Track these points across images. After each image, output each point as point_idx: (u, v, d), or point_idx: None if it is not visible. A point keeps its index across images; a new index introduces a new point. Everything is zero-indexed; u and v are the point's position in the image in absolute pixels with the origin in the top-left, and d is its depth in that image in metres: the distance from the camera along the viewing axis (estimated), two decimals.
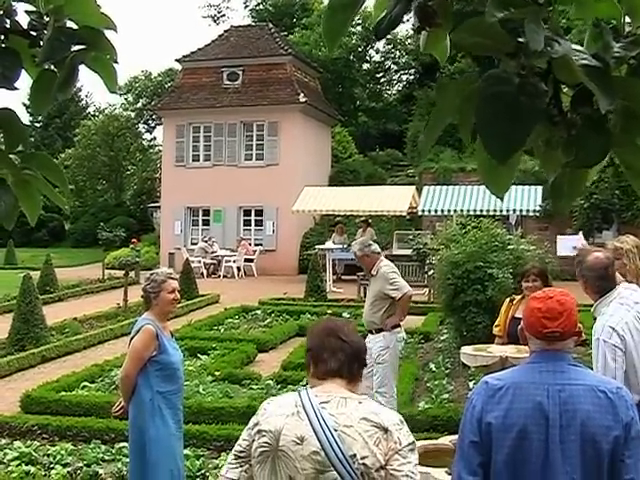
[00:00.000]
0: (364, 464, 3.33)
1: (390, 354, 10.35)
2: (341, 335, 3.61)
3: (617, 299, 6.19)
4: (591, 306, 6.18)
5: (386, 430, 3.40)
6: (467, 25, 2.11)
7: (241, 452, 3.61)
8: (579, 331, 3.79)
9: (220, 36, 40.91)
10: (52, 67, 2.48)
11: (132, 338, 6.88)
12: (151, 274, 7.01)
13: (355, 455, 3.34)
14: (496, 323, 9.17)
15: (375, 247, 10.82)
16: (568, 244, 6.51)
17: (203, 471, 8.87)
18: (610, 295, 6.21)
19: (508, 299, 9.24)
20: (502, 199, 2.37)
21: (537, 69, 2.08)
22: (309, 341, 3.75)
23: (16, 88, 2.48)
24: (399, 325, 10.68)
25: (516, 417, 3.61)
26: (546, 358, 3.71)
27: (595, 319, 6.49)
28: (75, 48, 2.45)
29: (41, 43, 2.44)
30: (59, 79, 2.46)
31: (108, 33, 2.48)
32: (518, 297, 8.91)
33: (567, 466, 3.54)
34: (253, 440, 3.54)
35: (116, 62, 2.54)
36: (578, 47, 2.12)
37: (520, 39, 2.05)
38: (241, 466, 3.60)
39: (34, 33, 2.47)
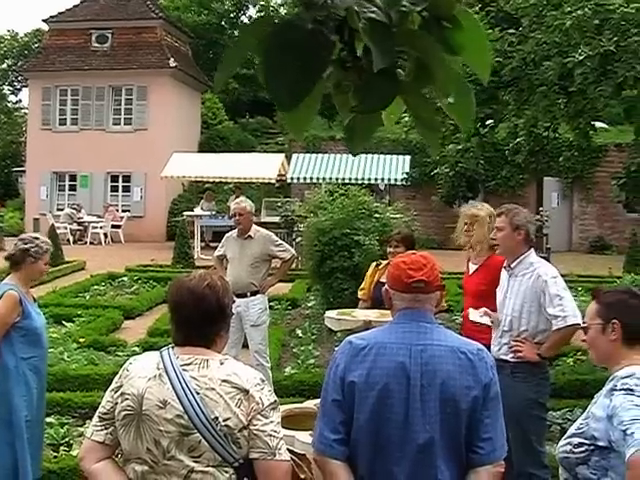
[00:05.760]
0: (227, 425, 3.38)
1: (267, 315, 10.39)
2: (194, 298, 3.56)
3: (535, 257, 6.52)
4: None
5: (247, 392, 3.43)
6: None
7: (105, 414, 3.59)
8: (442, 285, 3.87)
9: None
10: None
11: None
12: (35, 238, 6.82)
13: (218, 418, 3.37)
14: (361, 287, 9.16)
15: None
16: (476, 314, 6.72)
17: (67, 439, 8.72)
18: (531, 253, 6.48)
19: (374, 263, 9.22)
20: (300, 138, 2.35)
21: (337, 16, 2.09)
22: (168, 304, 3.74)
23: None
24: None
25: (379, 376, 3.65)
26: (409, 318, 3.76)
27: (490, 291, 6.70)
28: None
29: None
30: None
31: None
32: (384, 262, 8.91)
33: (427, 425, 3.60)
34: (116, 403, 3.54)
35: None
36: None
37: None
38: (106, 428, 3.58)
39: None
